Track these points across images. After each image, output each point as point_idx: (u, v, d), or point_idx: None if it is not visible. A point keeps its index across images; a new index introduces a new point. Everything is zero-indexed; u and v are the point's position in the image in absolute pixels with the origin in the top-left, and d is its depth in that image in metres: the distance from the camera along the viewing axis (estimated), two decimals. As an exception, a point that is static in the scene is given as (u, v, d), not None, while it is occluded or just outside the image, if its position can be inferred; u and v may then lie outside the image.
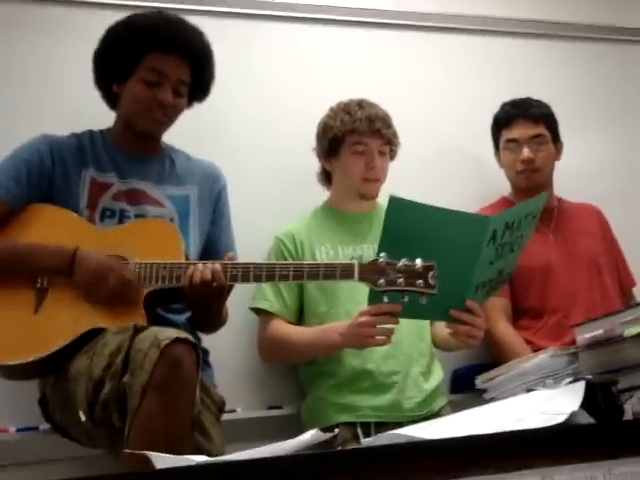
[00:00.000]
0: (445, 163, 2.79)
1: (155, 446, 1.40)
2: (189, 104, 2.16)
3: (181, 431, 1.66)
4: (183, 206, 2.13)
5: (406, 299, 1.79)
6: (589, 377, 1.45)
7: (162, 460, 1.21)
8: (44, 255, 1.90)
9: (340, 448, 1.84)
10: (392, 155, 2.40)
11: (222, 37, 2.51)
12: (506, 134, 2.65)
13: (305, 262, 2.10)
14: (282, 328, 2.27)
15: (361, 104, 2.34)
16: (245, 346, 2.39)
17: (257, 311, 2.31)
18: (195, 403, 1.70)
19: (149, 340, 1.66)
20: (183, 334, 1.69)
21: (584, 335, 1.69)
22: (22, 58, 2.38)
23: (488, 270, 1.89)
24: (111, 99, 2.12)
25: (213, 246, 2.18)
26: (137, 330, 1.73)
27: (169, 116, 2.07)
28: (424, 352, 2.30)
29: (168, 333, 1.67)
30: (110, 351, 1.73)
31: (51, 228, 1.97)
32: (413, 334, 2.27)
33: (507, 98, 2.70)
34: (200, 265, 1.88)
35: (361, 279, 1.82)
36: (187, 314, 2.10)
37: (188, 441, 1.69)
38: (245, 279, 1.88)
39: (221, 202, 2.22)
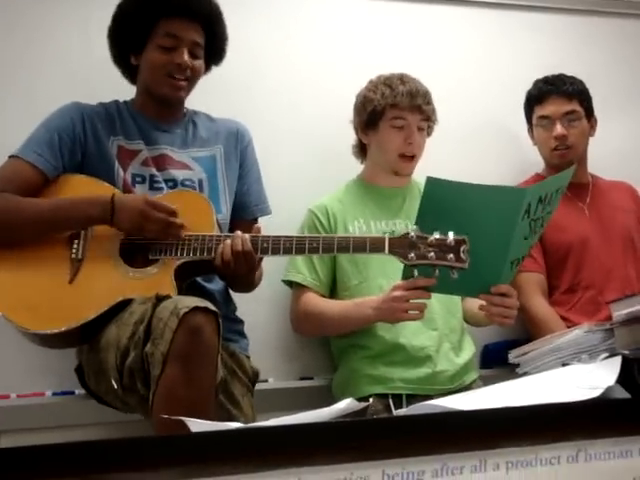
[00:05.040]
0: (480, 139, 2.77)
1: (178, 414, 1.40)
2: (206, 68, 2.17)
3: (203, 399, 1.67)
4: (210, 166, 2.14)
5: (437, 273, 1.80)
6: (625, 353, 1.44)
7: (198, 425, 1.23)
8: (83, 205, 1.92)
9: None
10: (429, 132, 2.38)
11: (259, 8, 2.52)
12: (539, 111, 2.63)
13: (336, 235, 2.09)
14: (315, 301, 2.27)
15: (402, 79, 2.33)
16: (278, 318, 2.40)
17: (290, 284, 2.33)
18: (217, 371, 1.71)
19: (169, 309, 1.67)
20: (203, 302, 1.70)
21: (620, 311, 1.69)
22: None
23: (522, 246, 1.88)
24: (131, 73, 2.15)
25: (243, 200, 2.19)
26: (159, 299, 1.74)
27: (188, 79, 2.08)
28: (455, 328, 2.30)
29: (188, 302, 1.68)
30: (135, 320, 1.75)
31: None
32: (445, 310, 2.28)
33: (544, 74, 2.66)
34: (229, 240, 1.89)
35: (391, 252, 1.82)
36: (223, 282, 2.11)
37: (211, 409, 1.70)
38: (275, 252, 1.89)
39: (248, 157, 2.23)
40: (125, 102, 2.16)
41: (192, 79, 2.09)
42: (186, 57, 2.04)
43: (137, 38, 2.06)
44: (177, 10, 2.03)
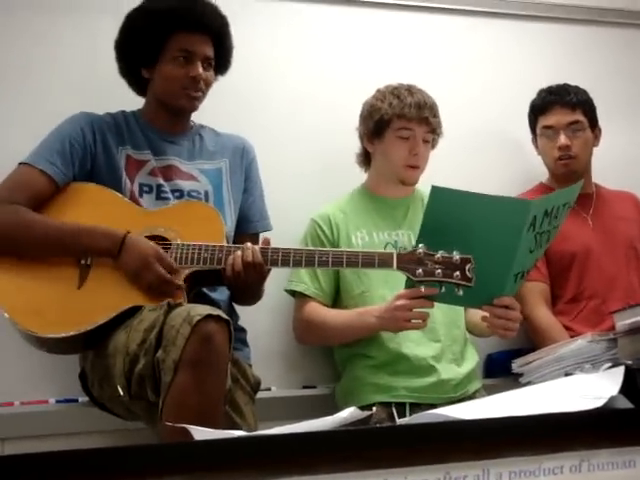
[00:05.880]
0: (484, 148, 2.77)
1: (188, 421, 1.41)
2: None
3: (213, 407, 1.68)
4: (216, 179, 2.16)
5: (443, 290, 1.82)
6: (629, 362, 1.44)
7: (201, 433, 1.23)
8: (93, 236, 1.92)
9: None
10: (434, 144, 2.38)
11: (265, 16, 2.53)
12: (543, 121, 2.63)
13: (345, 249, 2.10)
14: (318, 311, 2.27)
15: (411, 89, 2.33)
16: (281, 327, 2.40)
17: (293, 293, 2.33)
18: (227, 379, 1.72)
19: (181, 316, 1.68)
20: (215, 311, 1.71)
21: (624, 321, 1.68)
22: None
23: (527, 258, 1.87)
24: (140, 85, 2.16)
25: (246, 215, 2.21)
26: (171, 307, 1.75)
27: (202, 90, 2.11)
28: (457, 339, 2.30)
29: (200, 310, 1.69)
30: (145, 327, 1.76)
31: (94, 207, 2.00)
32: (447, 321, 2.27)
33: (548, 84, 2.67)
34: (239, 251, 1.90)
35: (399, 268, 1.85)
36: (227, 292, 2.12)
37: (221, 417, 1.71)
38: (285, 264, 1.91)
39: (252, 172, 2.25)
40: (133, 113, 2.18)
41: (205, 90, 2.12)
42: (200, 70, 2.07)
43: (150, 52, 2.08)
44: (190, 25, 2.06)
